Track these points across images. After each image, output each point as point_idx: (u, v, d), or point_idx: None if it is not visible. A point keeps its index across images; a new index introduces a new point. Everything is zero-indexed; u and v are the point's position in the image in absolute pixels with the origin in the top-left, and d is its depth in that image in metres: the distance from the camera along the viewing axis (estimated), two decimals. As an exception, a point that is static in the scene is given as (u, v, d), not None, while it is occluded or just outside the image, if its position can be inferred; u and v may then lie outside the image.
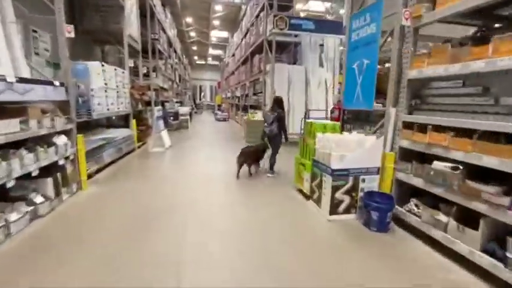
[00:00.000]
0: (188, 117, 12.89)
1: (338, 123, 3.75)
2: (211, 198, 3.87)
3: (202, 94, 34.95)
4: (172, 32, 15.69)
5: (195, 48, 27.08)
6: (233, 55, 18.50)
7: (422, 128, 2.72)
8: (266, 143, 4.91)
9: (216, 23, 19.84)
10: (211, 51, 28.17)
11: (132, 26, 7.05)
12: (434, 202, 2.64)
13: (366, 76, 3.63)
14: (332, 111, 4.19)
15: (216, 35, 22.92)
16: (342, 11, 11.32)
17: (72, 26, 3.68)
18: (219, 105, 24.90)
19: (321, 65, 9.41)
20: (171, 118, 11.19)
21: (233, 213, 3.43)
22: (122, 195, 3.89)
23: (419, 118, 2.83)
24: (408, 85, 2.95)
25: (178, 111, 11.74)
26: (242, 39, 14.24)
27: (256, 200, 3.84)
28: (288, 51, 10.03)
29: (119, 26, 6.44)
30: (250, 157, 4.77)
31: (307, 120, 4.01)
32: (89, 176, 4.43)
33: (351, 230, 3.01)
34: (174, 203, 3.61)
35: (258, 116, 9.09)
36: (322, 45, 9.47)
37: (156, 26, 10.33)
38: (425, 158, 2.72)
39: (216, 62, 32.66)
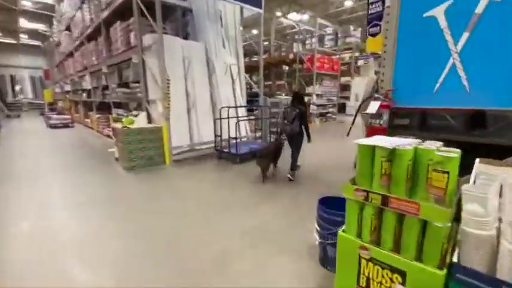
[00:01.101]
0: (-15, 129, 6.95)
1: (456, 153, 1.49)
2: None
3: (19, 88, 23.63)
4: None
5: (-11, 15, 17.08)
6: (67, 29, 12.45)
7: None
8: (281, 140, 4.59)
9: (27, -25, 12.69)
10: (25, 23, 18.79)
11: None
12: None
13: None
14: (379, 115, 1.93)
15: (30, -3, 15.04)
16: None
17: None
18: (52, 104, 17.17)
19: (223, 45, 6.90)
20: None
21: None
22: None
23: None
24: None
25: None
26: (83, 2, 9.27)
27: None
28: (172, 20, 6.78)
29: None
30: (271, 158, 4.43)
31: (362, 143, 1.52)
32: None
33: None
34: None
35: (141, 119, 5.52)
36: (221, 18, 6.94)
37: None
38: None
39: (37, 42, 22.63)
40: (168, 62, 5.28)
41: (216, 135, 5.75)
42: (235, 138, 5.34)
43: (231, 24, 7.08)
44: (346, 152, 6.49)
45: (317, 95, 12.64)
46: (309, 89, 12.76)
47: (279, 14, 18.07)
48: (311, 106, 12.26)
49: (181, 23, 6.77)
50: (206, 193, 3.91)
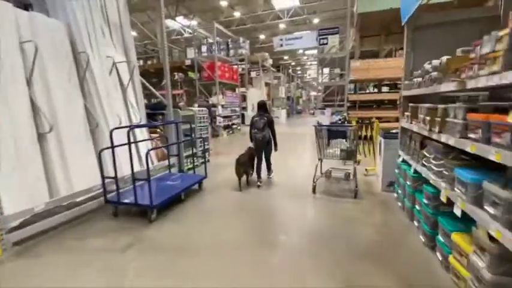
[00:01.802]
0: None
1: None
2: None
3: None
4: None
5: None
6: None
7: None
8: (253, 148, 4.54)
9: None
10: None
11: None
12: None
13: None
14: None
15: None
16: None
17: None
18: None
19: (102, 32, 4.47)
20: None
21: None
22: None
23: None
24: None
25: None
26: None
27: None
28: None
29: None
30: (248, 165, 4.45)
31: None
32: None
33: None
34: None
35: None
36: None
37: None
38: None
39: None
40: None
41: (104, 178, 3.37)
42: (146, 179, 3.18)
43: (111, 5, 4.72)
44: (286, 168, 5.55)
45: (222, 106, 11.39)
46: (212, 100, 11.34)
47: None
48: (217, 118, 10.89)
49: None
50: None
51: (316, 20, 18.40)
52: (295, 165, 6.26)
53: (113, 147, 3.27)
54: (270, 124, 4.37)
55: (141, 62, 13.76)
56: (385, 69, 9.15)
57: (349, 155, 4.07)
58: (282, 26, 19.67)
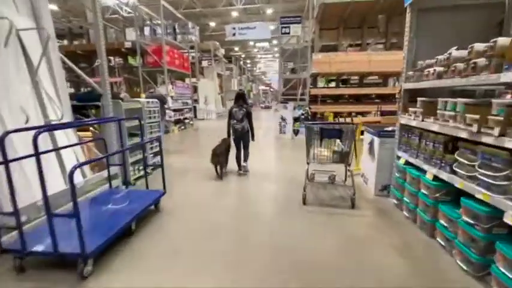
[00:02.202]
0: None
1: None
2: None
3: None
4: None
5: None
6: None
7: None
8: (229, 139, 4.70)
9: None
10: None
11: None
12: None
13: None
14: None
15: None
16: None
17: None
18: None
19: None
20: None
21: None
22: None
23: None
24: None
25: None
26: None
27: None
28: None
29: None
30: (223, 155, 4.56)
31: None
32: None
33: None
34: None
35: None
36: None
37: None
38: None
39: None
40: None
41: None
42: (72, 215, 1.98)
43: None
44: (266, 168, 4.69)
45: (172, 97, 9.90)
46: (159, 90, 9.76)
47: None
48: (167, 112, 9.41)
49: None
50: None
51: (270, 11, 17.82)
52: (273, 163, 5.53)
53: (7, 162, 1.96)
54: (248, 115, 4.53)
55: (65, 41, 11.14)
56: (345, 63, 9.01)
57: (343, 157, 3.46)
58: (234, 14, 18.55)
